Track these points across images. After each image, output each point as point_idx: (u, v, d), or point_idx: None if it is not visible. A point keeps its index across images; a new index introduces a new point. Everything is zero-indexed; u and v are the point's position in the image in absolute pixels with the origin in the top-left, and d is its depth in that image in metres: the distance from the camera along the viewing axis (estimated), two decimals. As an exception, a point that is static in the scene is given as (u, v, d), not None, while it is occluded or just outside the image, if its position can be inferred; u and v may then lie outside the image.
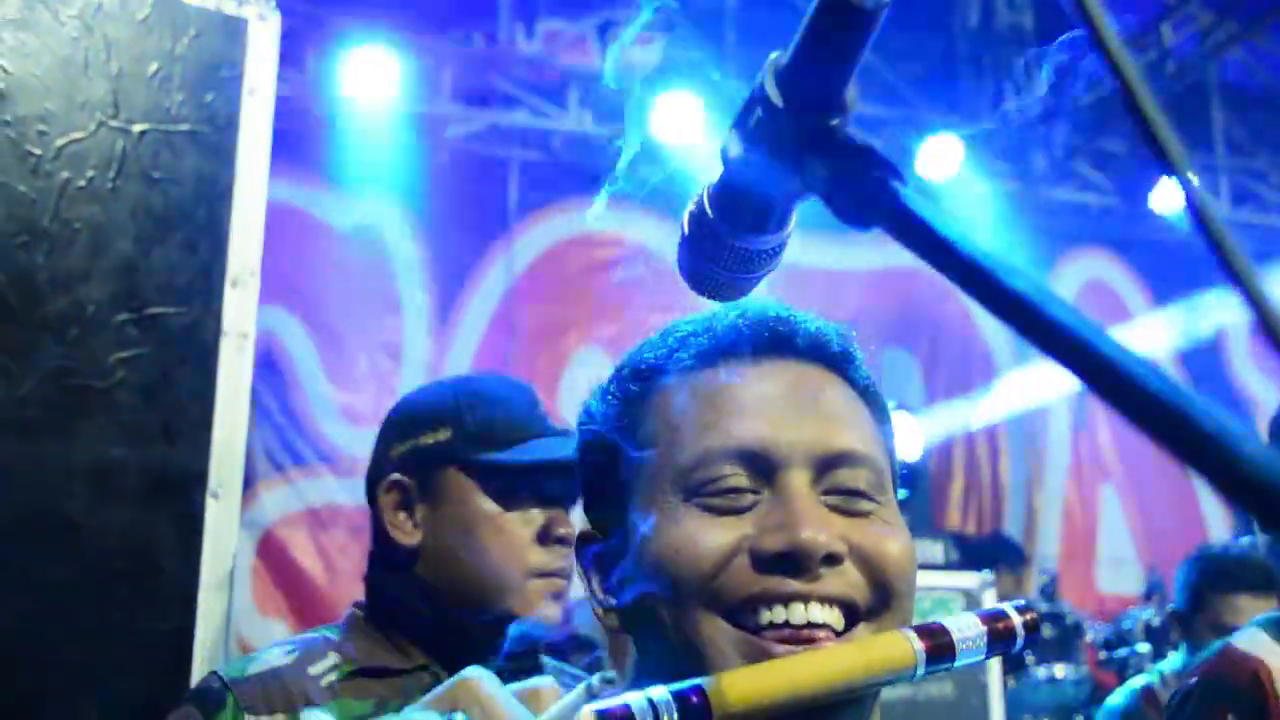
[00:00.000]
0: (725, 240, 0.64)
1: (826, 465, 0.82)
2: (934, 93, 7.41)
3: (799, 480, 0.81)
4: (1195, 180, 0.47)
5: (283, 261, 5.76)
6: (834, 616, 0.79)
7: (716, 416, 0.83)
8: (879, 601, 0.81)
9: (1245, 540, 5.66)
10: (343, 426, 6.08)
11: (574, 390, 6.18)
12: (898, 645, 0.75)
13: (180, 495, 1.68)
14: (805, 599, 0.78)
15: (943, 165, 6.94)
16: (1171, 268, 7.46)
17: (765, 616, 0.78)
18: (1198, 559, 3.38)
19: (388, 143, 6.22)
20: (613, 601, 0.88)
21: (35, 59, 1.75)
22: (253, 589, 5.80)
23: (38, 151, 1.72)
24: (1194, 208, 0.46)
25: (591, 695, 0.77)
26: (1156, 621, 5.35)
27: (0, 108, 1.70)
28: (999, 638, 0.80)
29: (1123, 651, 5.40)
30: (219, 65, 1.86)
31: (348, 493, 5.94)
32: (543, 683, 0.80)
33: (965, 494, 7.20)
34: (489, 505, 1.49)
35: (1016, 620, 0.81)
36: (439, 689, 0.79)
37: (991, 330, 7.30)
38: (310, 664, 1.43)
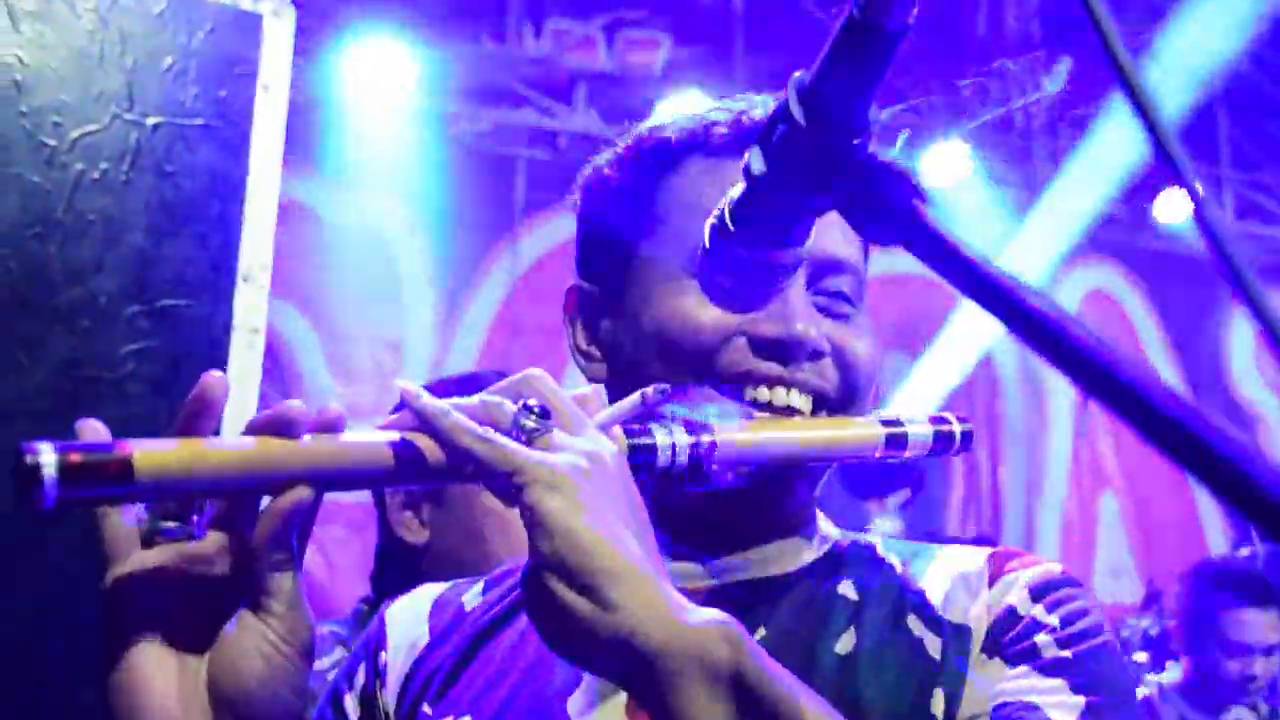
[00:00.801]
0: (746, 253, 0.65)
1: (822, 269, 0.90)
2: (939, 98, 7.41)
3: (797, 280, 0.89)
4: (1202, 191, 0.48)
5: (287, 256, 5.76)
6: (806, 404, 0.88)
7: None
8: (845, 396, 0.91)
9: (1244, 551, 5.67)
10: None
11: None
12: (866, 426, 0.88)
13: (188, 489, 1.68)
14: (788, 385, 0.87)
15: (949, 171, 6.94)
16: (1174, 278, 7.48)
17: (750, 394, 0.87)
18: (1199, 572, 3.38)
19: (394, 140, 6.23)
20: (597, 352, 0.96)
21: (51, 51, 1.76)
22: (252, 582, 5.80)
23: (52, 143, 1.73)
24: (1202, 218, 0.47)
25: (644, 402, 0.80)
26: (1154, 631, 5.36)
27: (16, 99, 1.71)
28: (942, 439, 0.91)
29: (1119, 661, 5.40)
30: (234, 60, 1.87)
31: (348, 488, 5.95)
32: (588, 390, 0.84)
33: (965, 501, 7.21)
34: (495, 505, 1.50)
35: (957, 428, 0.92)
36: (501, 382, 0.80)
37: (995, 339, 7.30)
38: (316, 659, 1.44)
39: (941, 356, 6.83)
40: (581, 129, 6.68)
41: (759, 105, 0.94)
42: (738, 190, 0.64)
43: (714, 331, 0.86)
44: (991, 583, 0.88)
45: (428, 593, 1.06)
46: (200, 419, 0.71)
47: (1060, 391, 7.44)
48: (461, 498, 1.51)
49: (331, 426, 0.72)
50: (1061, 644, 0.83)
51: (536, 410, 0.72)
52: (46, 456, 0.62)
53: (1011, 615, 0.85)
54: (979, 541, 5.20)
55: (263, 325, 1.79)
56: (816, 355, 0.87)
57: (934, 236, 0.51)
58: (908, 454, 0.89)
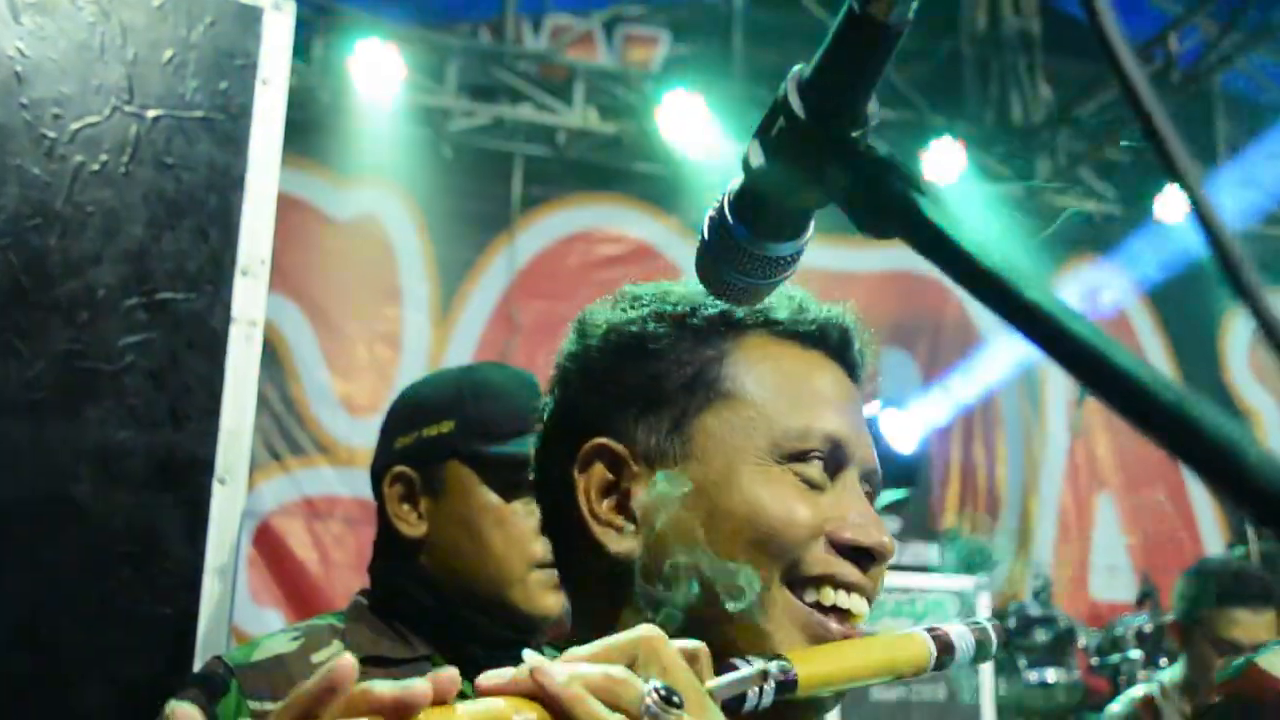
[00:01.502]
0: (745, 246, 0.65)
1: (866, 476, 0.92)
2: (939, 97, 7.42)
3: (856, 482, 0.90)
4: (1204, 192, 0.48)
5: (285, 250, 5.76)
6: (865, 608, 0.88)
7: (816, 396, 0.90)
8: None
9: (1240, 550, 5.68)
10: (341, 416, 6.09)
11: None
12: (918, 646, 0.86)
13: (186, 480, 1.69)
14: (861, 591, 0.87)
15: (946, 170, 6.95)
16: (1173, 278, 7.48)
17: (829, 597, 0.86)
18: (1197, 572, 3.39)
19: (392, 134, 6.23)
20: (626, 524, 0.88)
21: (52, 43, 1.76)
22: (248, 578, 5.80)
23: (52, 135, 1.73)
24: (1202, 219, 0.47)
25: (765, 677, 0.78)
26: (1149, 628, 5.37)
27: (17, 90, 1.71)
28: (982, 648, 0.89)
29: (1114, 657, 5.42)
30: (233, 54, 1.87)
31: (345, 483, 5.95)
32: (698, 644, 0.78)
33: (961, 498, 7.22)
34: (491, 497, 1.50)
35: (991, 632, 0.91)
36: (612, 638, 0.74)
37: (991, 333, 7.31)
38: (314, 651, 1.45)
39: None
40: (580, 125, 6.68)
41: (811, 303, 0.94)
42: (737, 183, 0.65)
43: (808, 529, 0.86)
44: None
45: None
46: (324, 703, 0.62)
47: (1057, 389, 7.45)
48: (459, 490, 1.52)
49: (445, 695, 0.65)
50: None
51: (664, 695, 0.69)
52: None
53: None
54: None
55: (261, 318, 1.79)
56: (885, 560, 0.89)
57: (931, 229, 0.51)
58: (955, 664, 0.88)
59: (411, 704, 0.60)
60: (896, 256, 6.85)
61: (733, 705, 0.76)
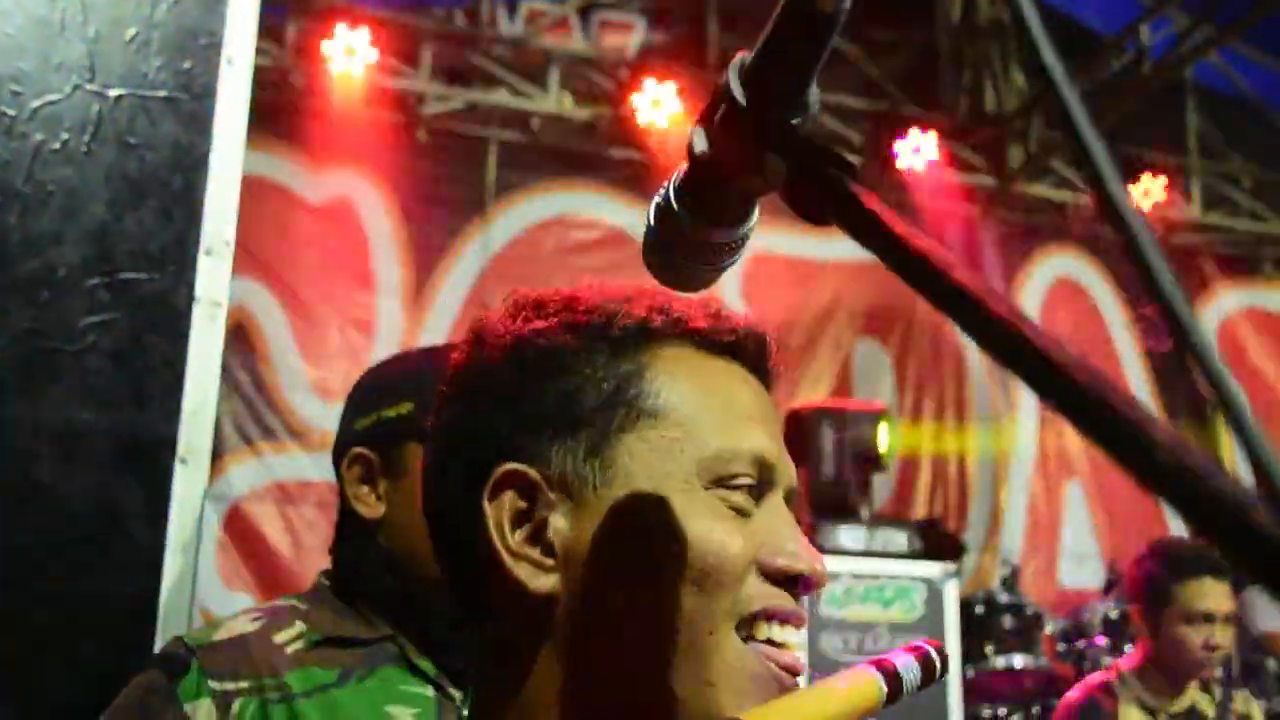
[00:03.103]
0: (689, 232, 0.66)
1: (788, 496, 0.86)
2: (913, 86, 7.45)
3: (781, 503, 0.84)
4: (1119, 187, 0.49)
5: (257, 234, 5.73)
6: (801, 640, 0.84)
7: (740, 413, 0.83)
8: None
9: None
10: (313, 401, 6.07)
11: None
12: (871, 688, 0.80)
13: (148, 461, 1.69)
14: (797, 622, 0.81)
15: (920, 158, 6.98)
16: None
17: (764, 632, 0.80)
18: (1154, 552, 3.43)
19: (366, 118, 6.20)
20: (544, 559, 0.80)
21: (9, 18, 1.75)
22: (218, 562, 5.78)
23: (12, 112, 1.72)
24: (1118, 219, 0.48)
25: None
26: (1115, 615, 5.44)
27: (-24, 69, 1.69)
28: (927, 674, 0.83)
29: (1080, 644, 5.49)
30: (198, 32, 1.85)
31: (316, 468, 5.93)
32: None
33: (931, 488, 7.28)
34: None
35: (936, 657, 0.84)
36: None
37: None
38: (276, 632, 1.45)
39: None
40: (554, 111, 6.66)
41: (727, 312, 0.86)
42: (681, 170, 0.65)
43: (744, 560, 0.79)
44: None
45: None
46: None
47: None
48: (416, 472, 1.52)
49: None
50: None
51: None
52: None
53: None
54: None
55: (225, 299, 1.78)
56: (818, 588, 0.84)
57: (866, 216, 0.52)
58: (905, 695, 0.82)
59: None
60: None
61: None
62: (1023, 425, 7.55)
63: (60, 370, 1.67)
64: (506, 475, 0.81)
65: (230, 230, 1.82)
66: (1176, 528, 7.46)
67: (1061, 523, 7.53)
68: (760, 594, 0.79)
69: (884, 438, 5.22)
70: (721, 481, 0.80)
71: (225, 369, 1.83)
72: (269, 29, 5.75)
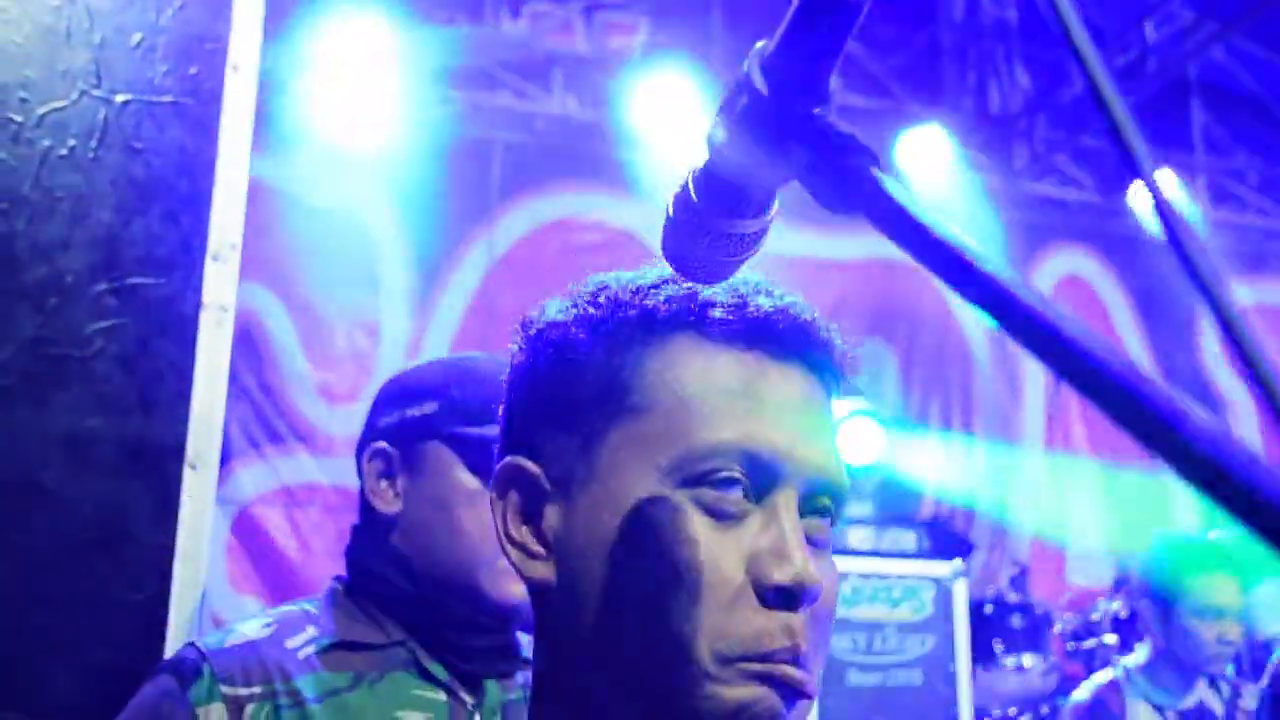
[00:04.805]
0: (709, 223, 0.65)
1: (816, 489, 0.78)
2: (917, 84, 7.44)
3: (792, 502, 0.76)
4: (1166, 184, 0.48)
5: (263, 238, 5.73)
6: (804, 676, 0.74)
7: (737, 409, 0.76)
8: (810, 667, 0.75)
9: (1214, 534, 5.73)
10: (320, 405, 6.07)
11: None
12: None
13: (157, 466, 1.68)
14: (790, 657, 0.73)
15: (925, 157, 6.97)
16: (1148, 264, 7.54)
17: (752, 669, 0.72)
18: (1163, 547, 3.41)
19: (370, 122, 6.20)
20: (539, 548, 0.79)
21: (16, 26, 1.74)
22: (227, 566, 5.78)
23: (19, 119, 1.71)
24: (1162, 211, 0.47)
25: None
26: (1124, 613, 5.42)
27: (-19, 74, 1.69)
28: None
29: (1090, 643, 5.48)
30: (203, 38, 1.85)
31: (324, 472, 5.93)
32: None
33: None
34: (469, 480, 1.50)
35: None
36: None
37: (970, 323, 7.35)
38: (288, 636, 1.44)
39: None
40: (559, 112, 6.66)
41: (760, 296, 0.80)
42: (700, 161, 0.65)
43: (733, 584, 0.72)
44: None
45: None
46: None
47: (1034, 371, 7.50)
48: (436, 471, 1.51)
49: None
50: None
51: None
52: None
53: None
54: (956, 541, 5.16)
55: (232, 304, 1.78)
56: (811, 601, 0.74)
57: (891, 205, 0.51)
58: None
59: None
60: (875, 245, 6.87)
61: None
62: (1030, 424, 7.54)
63: (68, 376, 1.66)
64: (510, 469, 0.82)
65: (237, 235, 1.82)
66: (1185, 524, 7.44)
67: (1069, 520, 7.51)
68: (742, 619, 0.72)
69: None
70: (699, 479, 0.74)
71: (232, 374, 1.83)
72: (272, 33, 5.75)
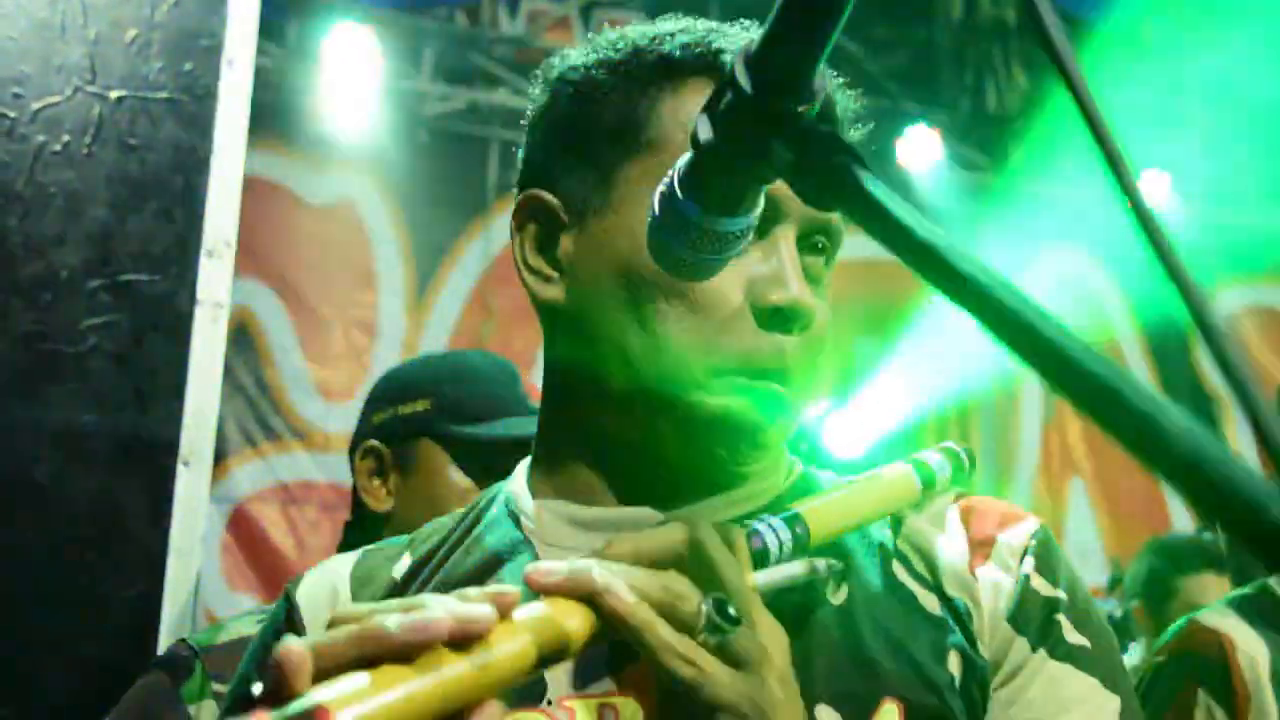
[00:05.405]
0: (695, 221, 0.65)
1: (814, 227, 0.85)
2: (914, 84, 7.44)
3: (791, 236, 0.83)
4: (1150, 193, 0.48)
5: (259, 235, 5.73)
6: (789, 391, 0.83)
7: None
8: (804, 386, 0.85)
9: (1208, 534, 5.74)
10: (316, 402, 6.06)
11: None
12: (908, 482, 0.84)
13: (151, 462, 1.68)
14: (780, 375, 0.81)
15: (921, 156, 6.97)
16: (1144, 266, 7.53)
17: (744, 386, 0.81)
18: (1156, 548, 3.43)
19: (368, 119, 6.19)
20: (553, 272, 0.87)
21: (10, 21, 1.74)
22: (222, 563, 5.78)
23: (13, 114, 1.71)
24: (1142, 218, 0.47)
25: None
26: (1118, 613, 5.43)
27: (-24, 70, 1.69)
28: (957, 468, 0.86)
29: (1084, 642, 5.47)
30: (198, 34, 1.85)
31: (320, 468, 5.93)
32: (736, 531, 0.74)
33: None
34: (459, 478, 1.51)
35: (964, 455, 0.88)
36: (652, 534, 0.72)
37: (965, 322, 7.35)
38: (278, 633, 1.44)
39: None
40: (556, 110, 6.64)
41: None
42: (686, 158, 0.65)
43: (731, 306, 0.81)
44: (977, 541, 0.83)
45: (340, 566, 0.99)
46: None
47: (1030, 375, 7.50)
48: (428, 469, 1.52)
49: (506, 613, 0.62)
50: (1078, 624, 0.80)
51: (719, 608, 0.68)
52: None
53: (1021, 588, 0.80)
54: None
55: (227, 300, 1.78)
56: (805, 326, 0.82)
57: (871, 201, 0.52)
58: (936, 489, 0.85)
59: (476, 631, 0.59)
60: (866, 244, 6.86)
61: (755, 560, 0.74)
62: (1025, 423, 7.54)
63: (62, 372, 1.66)
64: (529, 199, 0.89)
65: (232, 231, 1.82)
66: (1180, 524, 7.45)
67: (1065, 521, 7.52)
68: (745, 333, 0.80)
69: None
70: None
71: (228, 370, 1.83)
72: (268, 29, 5.75)
